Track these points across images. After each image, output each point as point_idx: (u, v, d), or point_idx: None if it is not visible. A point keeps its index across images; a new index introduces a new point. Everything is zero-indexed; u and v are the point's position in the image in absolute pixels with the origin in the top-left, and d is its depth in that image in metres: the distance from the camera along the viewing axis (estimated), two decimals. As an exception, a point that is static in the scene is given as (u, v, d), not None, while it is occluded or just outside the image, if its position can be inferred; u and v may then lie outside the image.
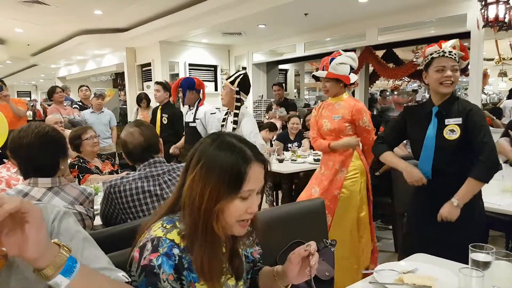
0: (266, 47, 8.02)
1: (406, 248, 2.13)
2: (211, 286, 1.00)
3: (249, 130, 3.18)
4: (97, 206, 2.08)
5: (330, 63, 2.71)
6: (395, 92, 9.65)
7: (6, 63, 13.11)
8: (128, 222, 1.98)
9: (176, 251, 0.97)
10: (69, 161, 3.00)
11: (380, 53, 6.15)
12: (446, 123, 1.98)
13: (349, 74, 2.73)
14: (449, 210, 1.90)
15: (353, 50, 6.36)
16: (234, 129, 3.22)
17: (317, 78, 2.87)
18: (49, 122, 4.29)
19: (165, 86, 4.64)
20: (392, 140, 2.29)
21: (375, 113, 8.15)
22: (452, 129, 1.95)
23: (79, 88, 6.42)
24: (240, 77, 3.23)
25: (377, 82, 7.37)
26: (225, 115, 3.46)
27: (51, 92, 5.63)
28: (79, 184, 2.82)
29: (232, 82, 3.21)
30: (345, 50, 6.46)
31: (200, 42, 8.05)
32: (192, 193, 0.98)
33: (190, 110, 4.11)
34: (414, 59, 2.29)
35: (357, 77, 2.84)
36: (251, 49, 8.23)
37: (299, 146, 5.00)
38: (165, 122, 4.55)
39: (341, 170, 2.76)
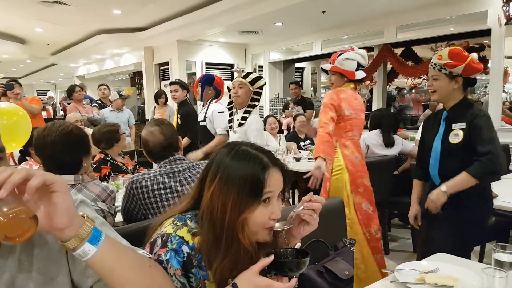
0: (283, 46, 8.01)
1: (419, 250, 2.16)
2: None
3: (254, 128, 3.14)
4: (118, 203, 2.12)
5: (338, 57, 2.74)
6: (413, 91, 9.52)
7: (26, 62, 13.42)
8: (149, 218, 2.02)
9: (185, 248, 0.98)
10: (98, 157, 3.05)
11: (398, 51, 6.07)
12: (452, 128, 2.03)
13: (356, 71, 2.73)
14: (437, 194, 1.96)
15: (371, 48, 6.30)
16: (241, 124, 3.17)
17: (326, 71, 2.89)
18: (69, 121, 4.38)
19: (182, 85, 4.56)
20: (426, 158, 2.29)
21: (392, 111, 8.06)
22: (456, 133, 2.01)
23: (98, 87, 6.52)
24: (261, 81, 3.17)
25: (395, 80, 7.27)
26: (230, 116, 3.36)
27: (70, 91, 5.73)
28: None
29: (252, 83, 3.15)
30: (363, 48, 6.40)
31: (217, 41, 8.09)
32: (213, 206, 0.98)
33: (203, 109, 4.09)
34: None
35: (365, 74, 2.81)
36: (267, 48, 8.23)
37: (312, 144, 4.97)
38: (179, 122, 4.45)
39: (328, 162, 2.75)
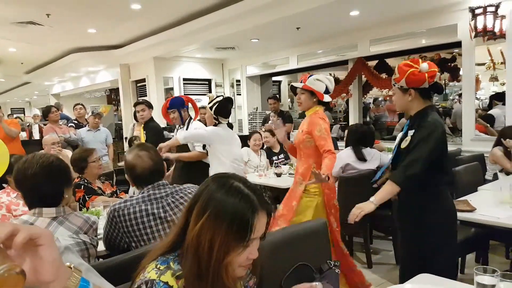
0: (259, 60, 8.10)
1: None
2: None
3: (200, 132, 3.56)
4: (100, 230, 2.08)
5: (309, 77, 2.82)
6: (388, 99, 9.78)
7: (-1, 81, 13.13)
8: (132, 246, 1.99)
9: None
10: (75, 181, 3.00)
11: (372, 63, 6.22)
12: (408, 134, 2.13)
13: (324, 93, 2.79)
14: (366, 203, 2.09)
15: (345, 61, 6.44)
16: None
17: (294, 91, 2.95)
18: (46, 143, 4.28)
19: (148, 104, 4.62)
20: None
21: (368, 119, 8.23)
22: (406, 139, 2.12)
23: (74, 107, 6.40)
24: (216, 104, 3.48)
25: (370, 91, 7.46)
26: None
27: (46, 112, 5.62)
28: (85, 206, 2.83)
29: (211, 108, 3.47)
30: (338, 62, 6.50)
31: (194, 56, 8.11)
32: (200, 242, 0.97)
33: (181, 128, 4.09)
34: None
35: (331, 99, 2.89)
36: (244, 63, 8.30)
37: (286, 158, 4.94)
38: (146, 138, 4.49)
39: (300, 182, 2.81)
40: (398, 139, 2.25)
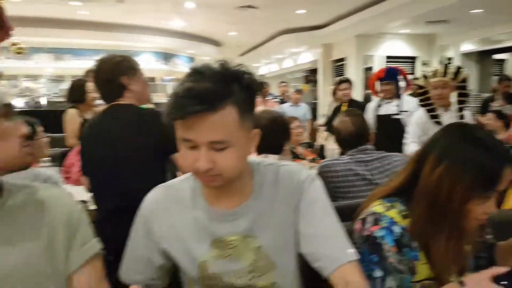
0: (479, 35, 7.09)
1: None
2: (437, 274, 0.99)
3: None
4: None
5: None
6: None
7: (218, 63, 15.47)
8: (336, 201, 2.09)
9: (396, 228, 0.98)
10: None
11: None
12: None
13: None
14: None
15: None
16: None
17: None
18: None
19: (351, 82, 4.64)
20: None
21: None
22: None
23: (279, 84, 7.06)
24: (463, 72, 2.90)
25: None
26: (431, 112, 3.03)
27: (259, 87, 6.34)
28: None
29: (454, 78, 2.87)
30: None
31: (398, 33, 7.71)
32: (438, 188, 0.96)
33: (387, 102, 3.84)
34: None
35: None
36: (459, 38, 7.42)
37: None
38: None
39: None
40: None
